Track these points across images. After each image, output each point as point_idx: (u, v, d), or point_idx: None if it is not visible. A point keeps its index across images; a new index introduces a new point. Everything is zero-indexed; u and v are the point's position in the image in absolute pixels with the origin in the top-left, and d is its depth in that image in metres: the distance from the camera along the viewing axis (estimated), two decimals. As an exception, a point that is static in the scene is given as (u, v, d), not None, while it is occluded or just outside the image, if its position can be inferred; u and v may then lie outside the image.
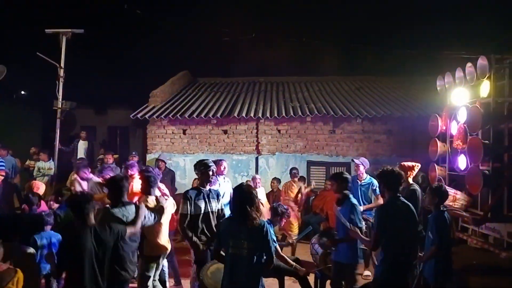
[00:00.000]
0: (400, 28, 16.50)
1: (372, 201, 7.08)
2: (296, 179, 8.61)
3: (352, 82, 14.52)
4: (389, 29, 16.79)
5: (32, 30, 11.89)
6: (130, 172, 6.61)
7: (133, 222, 4.18)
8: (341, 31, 16.86)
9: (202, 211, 4.85)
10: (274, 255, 3.85)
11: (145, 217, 4.37)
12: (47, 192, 7.56)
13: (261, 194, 8.65)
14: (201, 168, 4.99)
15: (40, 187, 6.22)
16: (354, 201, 4.89)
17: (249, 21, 16.15)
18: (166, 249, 5.05)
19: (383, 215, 4.15)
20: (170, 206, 5.13)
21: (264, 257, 3.74)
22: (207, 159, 5.18)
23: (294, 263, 5.05)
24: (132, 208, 4.33)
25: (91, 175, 7.52)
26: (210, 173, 5.01)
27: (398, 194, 4.22)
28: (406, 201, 4.18)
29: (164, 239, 5.02)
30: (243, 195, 3.80)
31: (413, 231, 4.19)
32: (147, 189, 4.91)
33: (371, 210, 6.86)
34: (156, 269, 5.05)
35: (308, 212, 9.60)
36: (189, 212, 4.82)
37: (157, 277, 5.24)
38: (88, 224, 3.43)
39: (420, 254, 4.90)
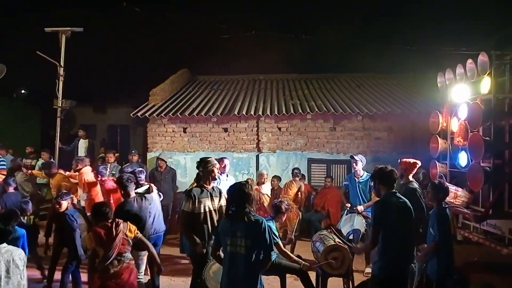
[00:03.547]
0: (400, 24, 16.50)
1: (371, 198, 7.09)
2: (297, 179, 8.63)
3: (352, 79, 14.49)
4: (389, 26, 16.77)
5: (32, 28, 11.89)
6: (79, 166, 7.65)
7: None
8: (341, 28, 16.80)
9: (207, 209, 4.84)
10: (272, 253, 3.83)
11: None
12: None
13: (267, 189, 8.67)
14: (206, 166, 4.96)
15: None
16: None
17: (249, 18, 16.12)
18: None
19: (379, 210, 4.14)
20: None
21: (262, 255, 3.74)
22: (210, 157, 5.15)
23: (298, 259, 5.05)
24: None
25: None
26: (215, 171, 5.01)
27: (394, 190, 4.22)
28: (402, 197, 4.18)
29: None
30: (240, 193, 3.81)
31: (410, 226, 4.17)
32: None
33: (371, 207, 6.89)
34: None
35: (309, 210, 9.61)
36: (191, 210, 4.80)
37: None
38: None
39: (418, 252, 4.90)
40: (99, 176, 7.44)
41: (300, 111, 10.62)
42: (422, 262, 4.92)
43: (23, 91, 17.52)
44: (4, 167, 9.68)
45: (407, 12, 16.49)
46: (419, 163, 6.13)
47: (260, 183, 8.56)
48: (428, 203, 5.18)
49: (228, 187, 6.56)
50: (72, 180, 7.93)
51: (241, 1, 17.39)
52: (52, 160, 9.92)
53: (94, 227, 4.29)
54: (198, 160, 5.11)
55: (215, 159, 5.37)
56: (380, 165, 4.49)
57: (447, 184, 5.57)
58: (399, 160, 6.10)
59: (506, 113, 6.49)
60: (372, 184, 6.93)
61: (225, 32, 10.94)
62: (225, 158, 7.58)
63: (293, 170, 8.95)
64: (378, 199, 6.78)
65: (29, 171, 9.29)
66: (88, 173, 7.56)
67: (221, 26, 10.85)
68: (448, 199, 6.42)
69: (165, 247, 8.24)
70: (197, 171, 5.13)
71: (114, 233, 4.12)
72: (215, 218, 4.89)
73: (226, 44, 15.01)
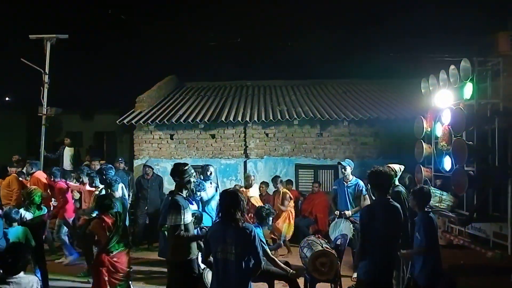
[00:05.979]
0: (386, 32, 16.71)
1: (360, 202, 7.12)
2: (279, 185, 8.69)
3: (338, 85, 14.59)
4: (374, 33, 16.98)
5: (17, 35, 11.77)
6: (33, 170, 8.40)
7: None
8: (327, 35, 16.97)
9: (189, 221, 4.56)
10: (262, 260, 3.83)
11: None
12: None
13: (255, 192, 8.67)
14: (185, 176, 4.60)
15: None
16: None
17: (236, 25, 16.19)
18: None
19: (365, 217, 4.13)
20: None
21: (252, 262, 3.73)
22: (186, 165, 4.73)
23: (286, 267, 5.05)
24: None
25: None
26: (192, 179, 4.70)
27: (388, 196, 4.20)
28: (394, 203, 4.18)
29: None
30: (230, 199, 3.81)
31: (398, 232, 4.19)
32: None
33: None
34: None
35: (297, 216, 9.62)
36: (183, 223, 4.41)
37: None
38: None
39: (403, 251, 4.90)
40: (51, 177, 8.17)
41: (287, 117, 10.67)
42: (407, 260, 4.95)
43: (7, 99, 17.31)
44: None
45: (392, 20, 16.74)
46: (402, 167, 6.20)
47: (247, 186, 8.56)
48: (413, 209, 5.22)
49: (215, 194, 6.61)
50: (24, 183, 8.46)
51: (227, 8, 17.44)
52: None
53: (103, 215, 5.10)
54: (174, 169, 4.68)
55: (202, 166, 5.30)
56: (377, 167, 4.31)
57: (429, 188, 5.62)
58: (384, 165, 6.16)
59: (489, 118, 6.61)
60: (364, 187, 7.05)
61: (212, 39, 10.98)
62: (210, 165, 7.58)
63: (272, 179, 8.97)
64: (368, 203, 6.90)
65: None
66: (41, 176, 8.37)
67: (208, 32, 10.89)
68: (433, 203, 6.51)
69: (150, 254, 8.24)
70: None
71: (118, 222, 5.02)
72: (192, 229, 4.64)
73: (213, 50, 15.05)
